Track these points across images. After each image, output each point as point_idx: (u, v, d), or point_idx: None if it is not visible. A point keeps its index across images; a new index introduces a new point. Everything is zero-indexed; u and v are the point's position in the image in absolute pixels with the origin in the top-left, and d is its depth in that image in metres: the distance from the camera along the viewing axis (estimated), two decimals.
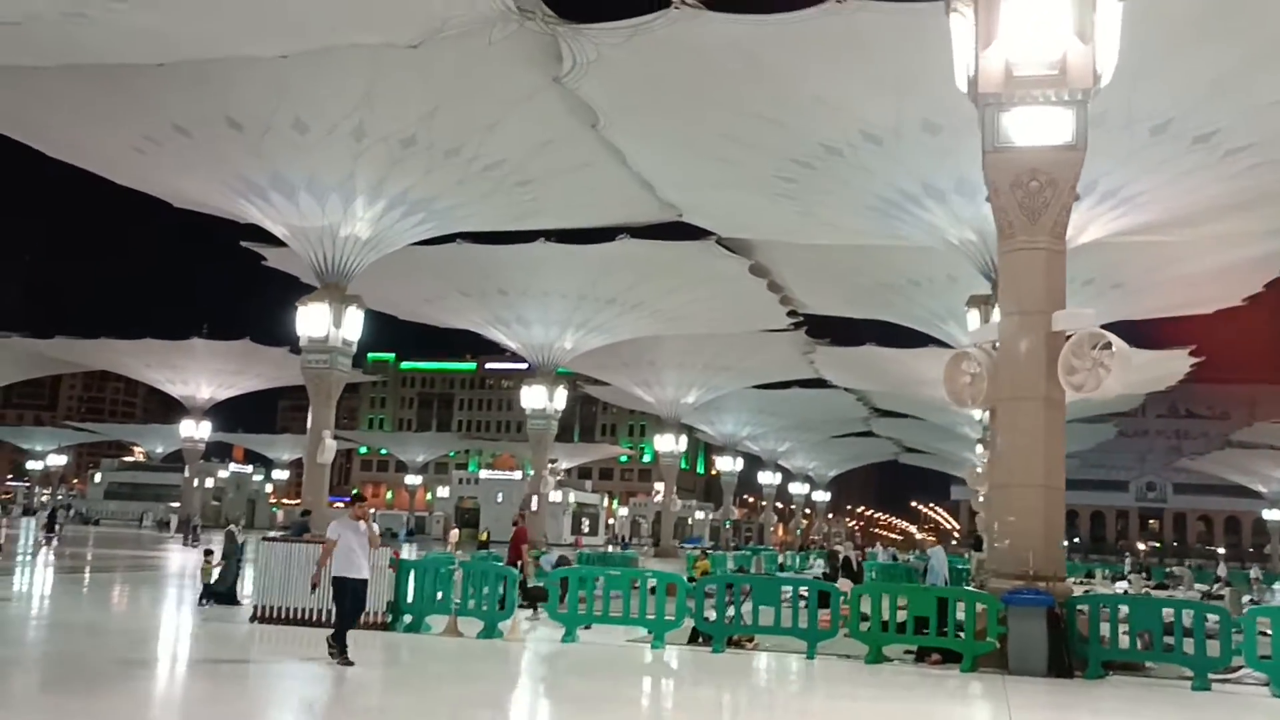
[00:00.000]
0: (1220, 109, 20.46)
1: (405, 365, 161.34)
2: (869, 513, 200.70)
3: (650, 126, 24.78)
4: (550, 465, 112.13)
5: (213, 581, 18.38)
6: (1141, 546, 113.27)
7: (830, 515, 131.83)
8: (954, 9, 14.70)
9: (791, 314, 44.20)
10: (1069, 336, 13.31)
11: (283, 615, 14.53)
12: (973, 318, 26.22)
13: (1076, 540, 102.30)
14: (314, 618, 14.22)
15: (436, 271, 38.43)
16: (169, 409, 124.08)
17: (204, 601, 17.82)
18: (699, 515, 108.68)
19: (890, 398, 67.26)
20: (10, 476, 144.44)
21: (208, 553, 19.51)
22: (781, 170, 24.86)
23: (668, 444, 60.08)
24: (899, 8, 18.27)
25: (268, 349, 59.62)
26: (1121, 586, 32.15)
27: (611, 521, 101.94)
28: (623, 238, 35.04)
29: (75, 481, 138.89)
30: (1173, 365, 51.95)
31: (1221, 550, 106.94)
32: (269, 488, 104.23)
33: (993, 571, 13.53)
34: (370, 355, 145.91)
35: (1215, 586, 35.84)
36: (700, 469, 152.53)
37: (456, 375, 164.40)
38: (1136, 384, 52.16)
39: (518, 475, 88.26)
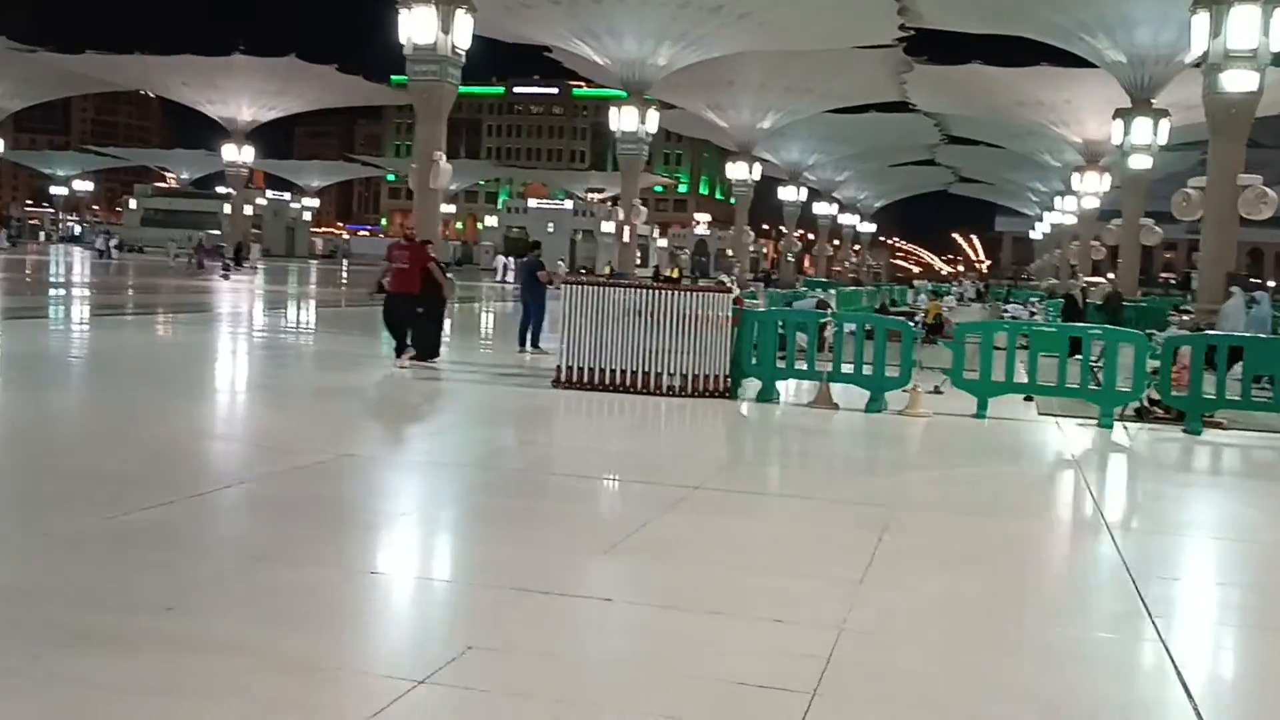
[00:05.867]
0: None
1: None
2: (898, 244, 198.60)
3: None
4: (589, 193, 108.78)
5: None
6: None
7: (871, 247, 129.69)
8: None
9: (903, 27, 40.15)
10: None
11: (589, 380, 11.70)
12: (1199, 21, 22.55)
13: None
14: (625, 381, 11.68)
15: None
16: (189, 132, 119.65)
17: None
18: None
19: (969, 123, 63.42)
20: (30, 202, 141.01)
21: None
22: None
23: (741, 172, 57.02)
24: None
25: (314, 66, 55.76)
26: None
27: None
28: None
29: (95, 208, 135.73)
30: None
31: (1272, 283, 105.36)
32: (306, 215, 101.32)
33: None
34: (394, 78, 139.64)
35: None
36: (734, 199, 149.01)
37: (484, 100, 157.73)
38: None
39: (568, 205, 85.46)
